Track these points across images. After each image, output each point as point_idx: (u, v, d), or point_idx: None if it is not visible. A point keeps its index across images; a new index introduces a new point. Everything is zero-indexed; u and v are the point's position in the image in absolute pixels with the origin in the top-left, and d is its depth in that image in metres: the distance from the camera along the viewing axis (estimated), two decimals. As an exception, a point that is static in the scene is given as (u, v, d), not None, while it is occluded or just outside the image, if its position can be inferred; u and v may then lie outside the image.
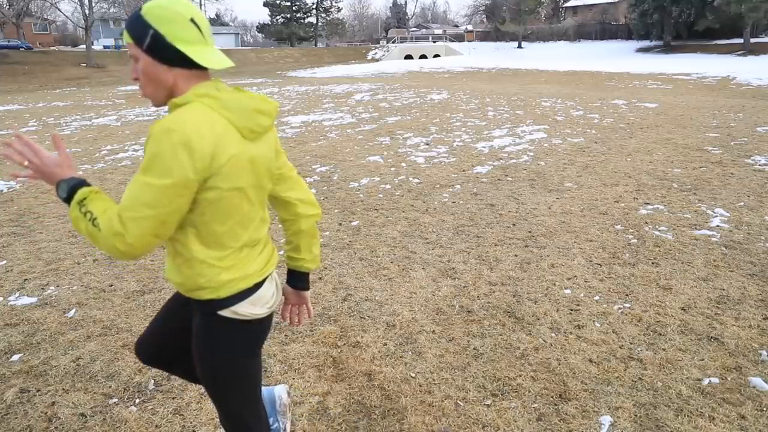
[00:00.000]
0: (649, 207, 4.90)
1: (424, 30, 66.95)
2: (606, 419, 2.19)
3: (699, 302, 3.14)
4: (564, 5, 63.21)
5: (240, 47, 56.54)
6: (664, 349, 2.67)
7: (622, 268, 3.63)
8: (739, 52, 31.18)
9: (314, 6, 57.88)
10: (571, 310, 3.10)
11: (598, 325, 2.91)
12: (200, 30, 1.26)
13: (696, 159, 6.73)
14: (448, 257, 3.90)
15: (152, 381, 2.50)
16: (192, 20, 1.25)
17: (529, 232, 4.37)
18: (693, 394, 2.33)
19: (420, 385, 2.44)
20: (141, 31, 1.23)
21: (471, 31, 59.34)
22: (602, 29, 47.69)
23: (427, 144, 8.28)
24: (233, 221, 1.31)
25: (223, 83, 1.32)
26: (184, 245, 1.31)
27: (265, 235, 1.46)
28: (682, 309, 3.07)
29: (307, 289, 1.67)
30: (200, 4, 51.09)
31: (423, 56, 46.46)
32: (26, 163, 1.28)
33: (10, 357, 2.73)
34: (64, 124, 12.05)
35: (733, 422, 2.15)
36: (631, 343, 2.73)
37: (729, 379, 2.43)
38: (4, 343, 2.86)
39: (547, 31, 51.54)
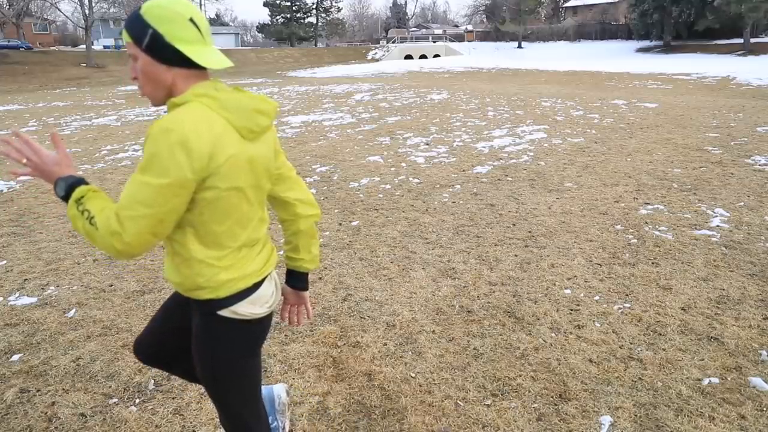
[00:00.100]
0: (649, 207, 4.90)
1: (424, 30, 66.95)
2: (606, 419, 2.19)
3: (699, 302, 3.14)
4: (564, 5, 63.22)
5: (240, 47, 56.54)
6: (664, 349, 2.67)
7: (622, 268, 3.63)
8: (739, 52, 31.18)
9: (314, 6, 57.90)
10: (571, 310, 3.10)
11: (598, 325, 2.91)
12: (199, 30, 1.26)
13: (696, 159, 6.73)
14: (448, 257, 3.90)
15: (152, 381, 2.50)
16: (191, 20, 1.25)
17: (529, 232, 4.37)
18: (693, 394, 2.33)
19: (420, 385, 2.44)
20: (140, 30, 1.23)
21: (471, 31, 59.34)
22: (602, 29, 47.69)
23: (427, 144, 8.28)
24: (232, 221, 1.31)
25: (222, 83, 1.32)
26: (183, 245, 1.31)
27: (264, 235, 1.46)
28: (682, 309, 3.07)
29: (306, 289, 1.67)
30: (200, 4, 51.08)
31: (423, 56, 46.47)
32: (25, 161, 1.28)
33: (10, 357, 2.73)
34: (64, 124, 12.05)
35: (733, 422, 2.15)
36: (631, 343, 2.73)
37: (729, 379, 2.43)
38: (4, 343, 2.86)
39: (547, 31, 51.54)
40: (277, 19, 56.74)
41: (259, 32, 64.41)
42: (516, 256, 3.90)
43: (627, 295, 3.26)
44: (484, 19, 62.99)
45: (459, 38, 56.82)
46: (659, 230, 4.32)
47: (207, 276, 1.32)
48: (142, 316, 3.11)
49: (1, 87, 26.31)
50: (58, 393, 2.43)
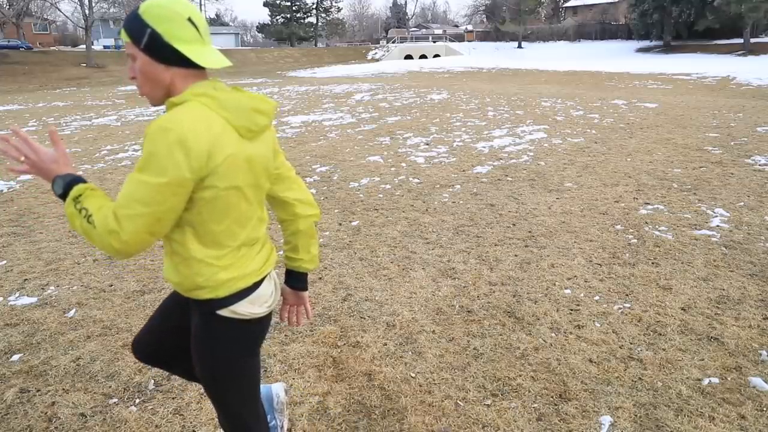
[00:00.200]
0: (649, 207, 4.90)
1: (424, 30, 66.95)
2: (606, 419, 2.19)
3: (699, 302, 3.14)
4: (564, 5, 63.21)
5: (240, 47, 56.54)
6: (664, 349, 2.67)
7: (622, 268, 3.63)
8: (739, 52, 31.18)
9: (314, 6, 57.90)
10: (571, 310, 3.10)
11: (598, 325, 2.91)
12: (198, 29, 1.26)
13: (696, 159, 6.73)
14: (448, 257, 3.90)
15: (152, 381, 2.50)
16: (189, 19, 1.25)
17: (529, 232, 4.37)
18: (693, 394, 2.33)
19: (420, 385, 2.44)
20: (138, 30, 1.23)
21: (471, 31, 59.34)
22: (602, 29, 47.69)
23: (427, 144, 8.28)
24: (230, 220, 1.31)
25: (221, 82, 1.32)
26: (182, 244, 1.31)
27: (263, 234, 1.46)
28: (682, 309, 3.07)
29: (306, 289, 1.66)
30: (200, 4, 51.11)
31: (423, 56, 46.47)
32: (23, 158, 1.28)
33: (10, 357, 2.73)
34: (64, 124, 12.05)
35: (733, 422, 2.15)
36: (631, 343, 2.73)
37: (729, 379, 2.43)
38: (4, 343, 2.86)
39: (547, 31, 51.54)
40: (277, 19, 56.74)
41: (259, 32, 64.43)
42: (516, 256, 3.90)
43: (627, 295, 3.26)
44: (484, 19, 62.99)
45: (459, 38, 56.82)
46: (659, 230, 4.32)
47: (206, 275, 1.32)
48: (142, 316, 3.11)
49: (1, 87, 26.31)
50: (58, 393, 2.43)
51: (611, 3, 52.00)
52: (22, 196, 5.86)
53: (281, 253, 1.72)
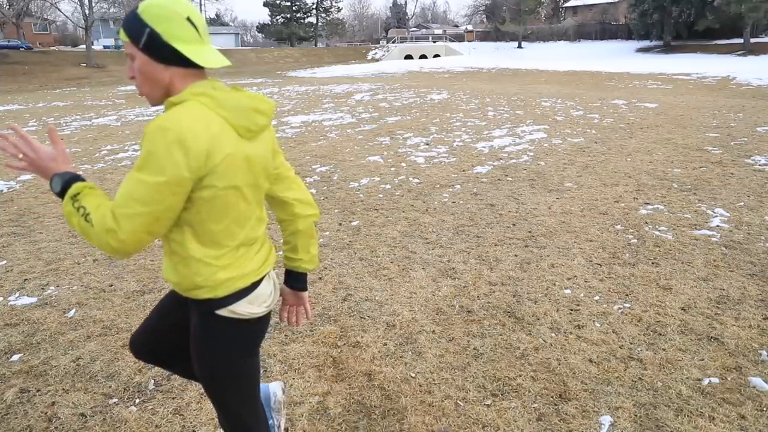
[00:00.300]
0: (649, 207, 4.90)
1: (424, 30, 66.95)
2: (606, 419, 2.19)
3: (699, 302, 3.14)
4: (564, 5, 63.21)
5: (240, 47, 56.54)
6: (664, 349, 2.67)
7: (622, 268, 3.63)
8: (739, 52, 31.18)
9: (314, 6, 57.89)
10: (571, 310, 3.10)
11: (598, 325, 2.91)
12: (197, 29, 1.26)
13: (696, 159, 6.73)
14: (448, 257, 3.90)
15: (152, 381, 2.50)
16: (188, 19, 1.25)
17: (529, 232, 4.37)
18: (693, 394, 2.33)
19: (420, 385, 2.44)
20: (137, 29, 1.23)
21: (471, 31, 59.34)
22: (602, 29, 47.69)
23: (427, 144, 8.28)
24: (229, 220, 1.31)
25: (220, 82, 1.32)
26: (181, 244, 1.31)
27: (262, 234, 1.45)
28: (682, 309, 3.07)
29: (305, 289, 1.66)
30: (200, 4, 51.11)
31: (423, 56, 46.47)
32: (21, 156, 1.28)
33: (10, 357, 2.73)
34: (64, 124, 12.05)
35: (733, 422, 2.15)
36: (631, 343, 2.73)
37: (729, 379, 2.43)
38: (4, 343, 2.86)
39: (547, 31, 51.54)
40: (277, 19, 56.74)
41: (259, 32, 64.42)
42: (516, 256, 3.90)
43: (627, 295, 3.26)
44: (484, 19, 62.98)
45: (459, 38, 56.82)
46: (659, 230, 4.32)
47: (205, 275, 1.32)
48: (142, 316, 3.11)
49: (1, 87, 26.32)
50: (58, 393, 2.43)
51: (611, 3, 52.00)
52: (22, 196, 5.86)
53: (281, 253, 1.72)
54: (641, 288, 3.34)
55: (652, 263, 3.70)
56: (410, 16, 76.88)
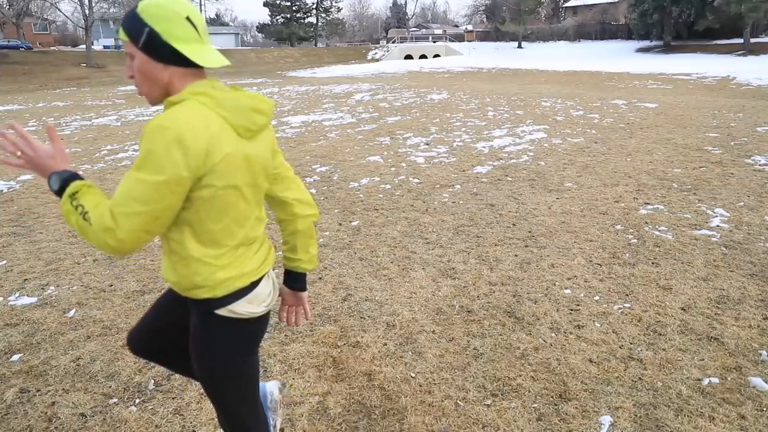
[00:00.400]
0: (649, 207, 4.90)
1: (424, 30, 66.94)
2: (606, 419, 2.19)
3: (699, 302, 3.14)
4: (564, 5, 63.21)
5: (240, 47, 56.53)
6: (664, 349, 2.67)
7: (622, 268, 3.63)
8: (739, 52, 31.18)
9: (314, 6, 57.89)
10: (571, 310, 3.10)
11: (598, 325, 2.91)
12: (196, 28, 1.26)
13: (696, 159, 6.73)
14: (448, 257, 3.90)
15: (152, 381, 2.50)
16: (188, 18, 1.25)
17: (529, 232, 4.37)
18: (693, 394, 2.33)
19: (420, 385, 2.44)
20: (137, 29, 1.23)
21: (471, 31, 59.34)
22: (602, 29, 47.69)
23: (427, 144, 8.28)
24: (228, 219, 1.31)
25: (220, 82, 1.32)
26: (180, 243, 1.30)
27: (261, 234, 1.45)
28: (682, 309, 3.07)
29: (304, 289, 1.66)
30: (200, 4, 51.11)
31: (423, 56, 46.47)
32: (19, 153, 1.28)
33: (10, 357, 2.73)
34: (64, 124, 12.05)
35: (733, 422, 2.15)
36: (631, 343, 2.73)
37: (729, 379, 2.43)
38: (4, 343, 2.86)
39: (547, 31, 51.54)
40: (277, 19, 56.73)
41: (259, 32, 64.42)
42: (516, 256, 3.90)
43: (627, 295, 3.26)
44: (484, 19, 62.97)
45: (459, 38, 56.82)
46: (659, 230, 4.31)
47: (204, 275, 1.32)
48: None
49: (1, 87, 26.32)
50: (58, 393, 2.43)
51: (611, 3, 52.00)
52: (22, 196, 5.86)
53: (280, 253, 1.72)
54: (641, 288, 3.34)
55: (652, 263, 3.70)
56: (410, 16, 76.90)
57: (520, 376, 2.49)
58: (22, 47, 39.72)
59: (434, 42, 51.87)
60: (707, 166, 6.36)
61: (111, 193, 5.91)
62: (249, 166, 1.31)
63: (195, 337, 1.44)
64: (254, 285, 1.40)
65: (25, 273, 3.80)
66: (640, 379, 2.44)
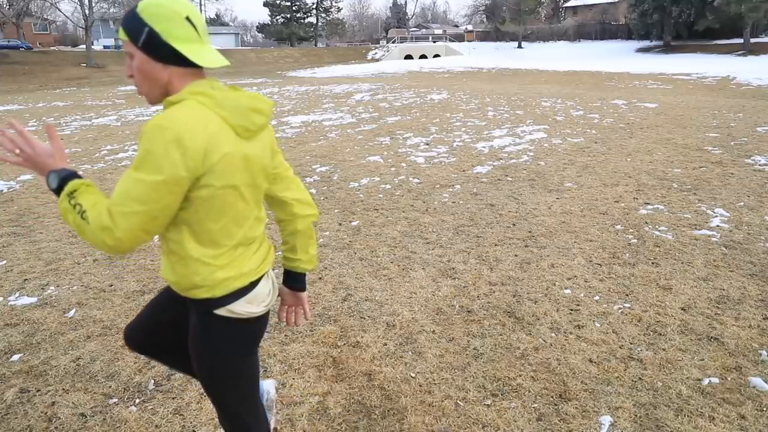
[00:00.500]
0: (649, 207, 4.90)
1: (424, 30, 66.95)
2: (606, 419, 2.19)
3: (699, 302, 3.14)
4: (564, 5, 63.20)
5: (240, 47, 56.53)
6: (664, 349, 2.67)
7: (622, 268, 3.63)
8: (739, 52, 31.18)
9: (314, 6, 57.89)
10: (571, 310, 3.10)
11: (598, 325, 2.91)
12: (195, 28, 1.26)
13: (696, 159, 6.73)
14: (448, 257, 3.90)
15: (152, 381, 2.50)
16: (187, 18, 1.25)
17: (529, 232, 4.37)
18: (693, 394, 2.33)
19: (420, 385, 2.44)
20: (137, 28, 1.23)
21: (471, 31, 59.34)
22: (602, 29, 47.68)
23: (427, 144, 8.28)
24: (227, 219, 1.31)
25: (219, 82, 1.32)
26: (178, 243, 1.30)
27: (261, 234, 1.45)
28: (682, 309, 3.07)
29: (304, 290, 1.66)
30: (200, 4, 51.13)
31: (423, 56, 46.47)
32: (18, 151, 1.27)
33: (10, 357, 2.73)
34: (64, 124, 12.05)
35: (733, 422, 2.15)
36: (631, 343, 2.73)
37: (729, 379, 2.43)
38: (4, 343, 2.86)
39: (547, 31, 51.54)
40: (277, 19, 56.73)
41: (259, 32, 64.42)
42: (516, 256, 3.90)
43: (627, 295, 3.26)
44: (484, 19, 62.91)
45: (459, 38, 56.82)
46: (659, 230, 4.31)
47: (203, 275, 1.32)
48: (142, 316, 3.11)
49: (1, 87, 26.32)
50: (58, 393, 2.43)
51: (611, 3, 52.00)
52: (22, 196, 5.86)
53: (280, 253, 1.72)
54: (641, 288, 3.34)
55: (652, 263, 3.70)
56: (410, 16, 76.89)
57: (520, 376, 2.49)
58: (22, 47, 39.72)
59: (434, 42, 51.87)
60: (707, 166, 6.36)
61: (111, 193, 5.91)
62: (248, 166, 1.31)
63: (194, 337, 1.44)
64: (253, 285, 1.40)
65: (25, 273, 3.80)
66: (640, 379, 2.44)
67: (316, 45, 58.86)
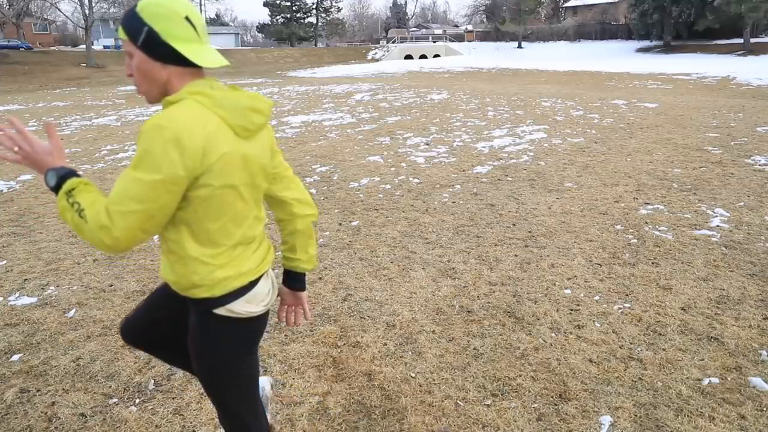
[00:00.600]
0: (649, 207, 4.90)
1: (424, 30, 66.95)
2: (606, 419, 2.19)
3: (699, 302, 3.14)
4: (564, 5, 63.20)
5: (240, 47, 56.53)
6: (664, 349, 2.67)
7: (622, 268, 3.63)
8: (739, 52, 31.18)
9: (314, 6, 57.88)
10: (571, 310, 3.10)
11: (598, 325, 2.91)
12: (195, 28, 1.26)
13: (696, 159, 6.73)
14: (448, 257, 3.90)
15: (152, 381, 2.50)
16: (187, 18, 1.25)
17: (529, 232, 4.37)
18: (693, 394, 2.33)
19: (420, 385, 2.44)
20: (136, 27, 1.23)
21: (471, 31, 59.34)
22: (602, 29, 47.68)
23: (427, 144, 8.28)
24: (226, 218, 1.31)
25: (218, 81, 1.32)
26: (178, 243, 1.30)
27: (260, 233, 1.45)
28: (682, 309, 3.07)
29: (304, 289, 1.66)
30: (200, 4, 51.13)
31: (423, 56, 46.46)
32: (16, 149, 1.27)
33: (10, 357, 2.73)
34: (64, 124, 12.05)
35: (733, 422, 2.15)
36: (631, 343, 2.73)
37: (729, 379, 2.43)
38: (4, 343, 2.86)
39: (547, 31, 51.54)
40: (277, 19, 56.72)
41: (259, 32, 64.41)
42: (516, 256, 3.90)
43: (627, 295, 3.26)
44: (484, 19, 62.90)
45: (459, 38, 56.82)
46: (659, 230, 4.31)
47: (202, 274, 1.32)
48: (142, 316, 3.11)
49: (1, 87, 26.31)
50: (58, 393, 2.43)
51: (611, 3, 51.99)
52: (22, 196, 5.86)
53: (279, 252, 1.72)
54: (641, 288, 3.34)
55: (652, 263, 3.70)
56: (410, 16, 76.89)
57: (520, 376, 2.49)
58: (22, 47, 39.71)
59: (434, 42, 51.86)
60: (707, 166, 6.36)
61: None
62: (246, 165, 1.31)
63: (194, 337, 1.44)
64: (253, 284, 1.40)
65: (25, 273, 3.80)
66: (640, 379, 2.44)
67: (316, 45, 58.86)
